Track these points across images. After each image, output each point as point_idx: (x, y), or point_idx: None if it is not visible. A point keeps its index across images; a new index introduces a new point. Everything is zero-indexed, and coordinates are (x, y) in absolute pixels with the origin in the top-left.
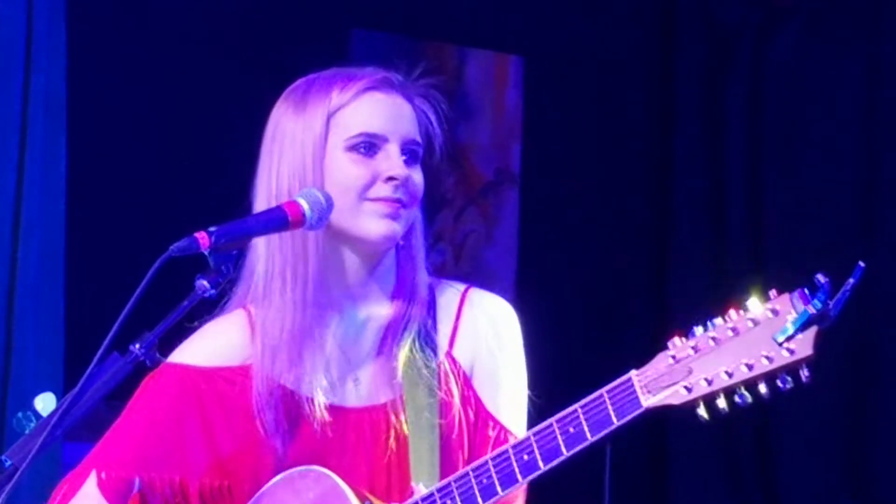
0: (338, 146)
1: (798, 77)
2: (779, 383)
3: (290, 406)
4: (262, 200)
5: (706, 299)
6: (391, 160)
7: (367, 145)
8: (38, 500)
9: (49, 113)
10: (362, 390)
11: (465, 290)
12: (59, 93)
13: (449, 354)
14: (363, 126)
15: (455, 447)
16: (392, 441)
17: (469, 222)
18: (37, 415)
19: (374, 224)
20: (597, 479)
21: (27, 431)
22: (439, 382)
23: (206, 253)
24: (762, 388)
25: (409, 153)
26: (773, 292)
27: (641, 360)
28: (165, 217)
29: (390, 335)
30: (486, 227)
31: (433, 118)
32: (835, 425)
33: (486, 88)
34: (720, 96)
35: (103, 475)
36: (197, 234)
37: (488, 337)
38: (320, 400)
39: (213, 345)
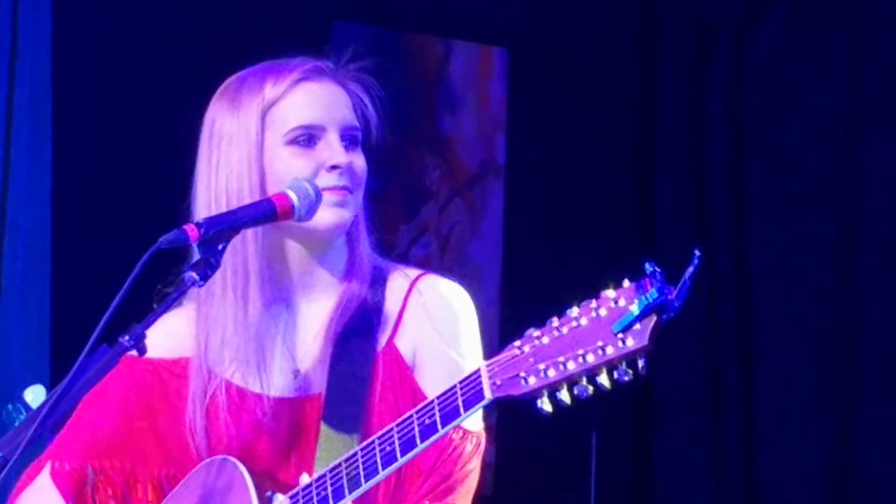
0: (277, 142)
1: (780, 69)
2: (615, 375)
3: (228, 398)
4: (202, 200)
5: (692, 289)
6: (332, 148)
7: (306, 137)
8: None
9: (34, 109)
10: (301, 382)
11: (416, 278)
12: (44, 89)
13: (390, 342)
14: (299, 119)
15: None
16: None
17: (454, 214)
18: (27, 407)
19: (322, 214)
20: (582, 475)
21: (17, 423)
22: (373, 372)
23: (194, 245)
24: (604, 380)
25: (349, 139)
26: (625, 281)
27: None
28: (152, 210)
29: (333, 321)
30: (471, 220)
31: (368, 102)
32: (819, 424)
33: (471, 81)
34: (703, 88)
35: (56, 465)
36: (186, 226)
37: (442, 324)
38: (256, 391)
39: (160, 338)
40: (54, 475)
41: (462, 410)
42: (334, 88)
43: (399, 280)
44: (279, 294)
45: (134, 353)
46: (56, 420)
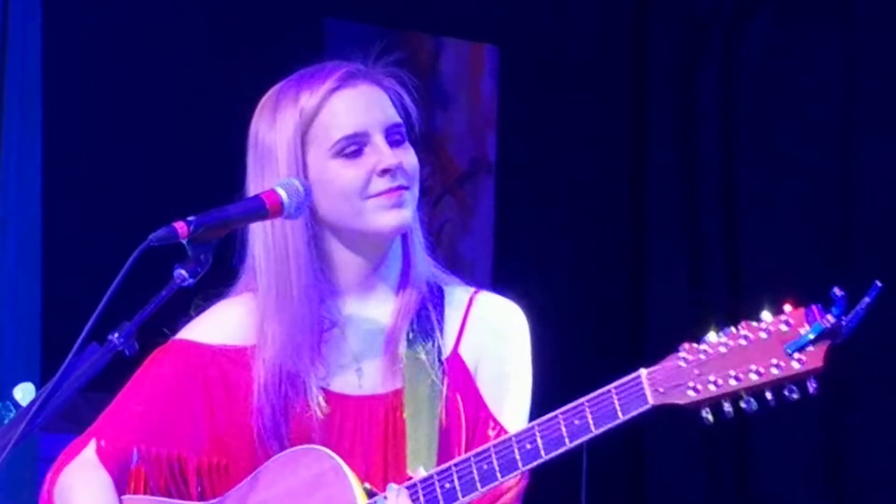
0: (323, 156)
1: (772, 65)
2: (786, 392)
3: (291, 391)
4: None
5: (684, 286)
6: (379, 152)
7: (353, 146)
8: (16, 490)
9: (24, 104)
10: (365, 381)
11: (476, 292)
12: (34, 85)
13: (455, 351)
14: (341, 130)
15: (453, 443)
16: (390, 432)
17: (445, 212)
18: (16, 404)
19: (383, 218)
20: (574, 481)
21: (6, 421)
22: (443, 378)
23: (184, 242)
24: (768, 396)
25: (395, 136)
26: (786, 305)
27: (618, 348)
28: (143, 207)
29: (396, 327)
30: (462, 217)
31: (405, 94)
32: (814, 430)
33: (462, 78)
34: (694, 84)
35: (102, 443)
36: (175, 224)
37: (495, 338)
38: (321, 387)
39: (219, 324)
40: (100, 452)
41: (620, 413)
42: (370, 89)
43: (459, 292)
44: (339, 294)
45: (124, 351)
46: (45, 418)
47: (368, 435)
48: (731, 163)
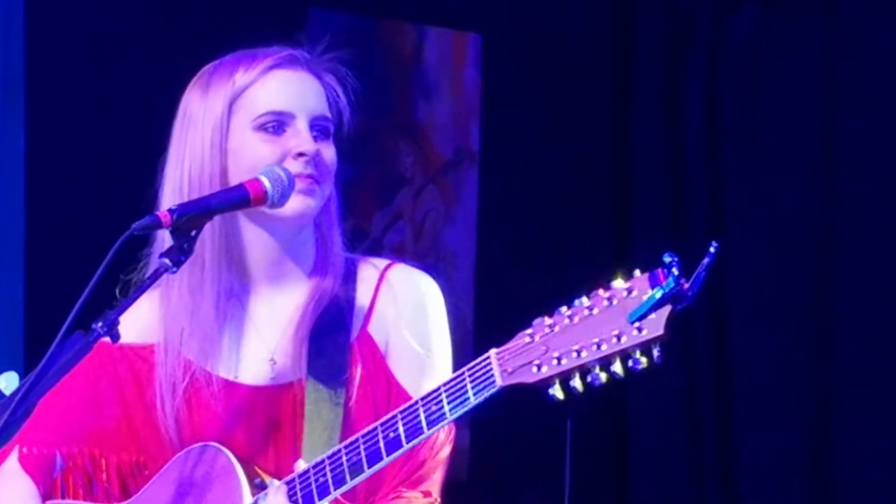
0: (245, 126)
1: (757, 56)
2: (630, 363)
3: (198, 384)
4: (169, 187)
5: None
6: (300, 136)
7: (275, 123)
8: None
9: (7, 93)
10: (278, 370)
11: (385, 268)
12: (17, 79)
13: (363, 330)
14: (269, 105)
15: (359, 425)
16: (298, 422)
17: (428, 201)
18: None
19: (289, 202)
20: (557, 460)
21: None
22: (351, 361)
23: (167, 231)
24: (617, 368)
25: (319, 129)
26: (636, 272)
27: None
28: (125, 198)
29: (307, 314)
30: (445, 206)
31: (341, 93)
32: (797, 426)
33: (445, 67)
34: (679, 75)
35: (24, 450)
36: (158, 213)
37: (410, 313)
38: (229, 379)
39: (129, 323)
40: (22, 460)
41: (472, 398)
42: (307, 77)
43: (369, 270)
44: (242, 281)
45: (107, 339)
46: (29, 407)
47: (279, 425)
48: (716, 152)
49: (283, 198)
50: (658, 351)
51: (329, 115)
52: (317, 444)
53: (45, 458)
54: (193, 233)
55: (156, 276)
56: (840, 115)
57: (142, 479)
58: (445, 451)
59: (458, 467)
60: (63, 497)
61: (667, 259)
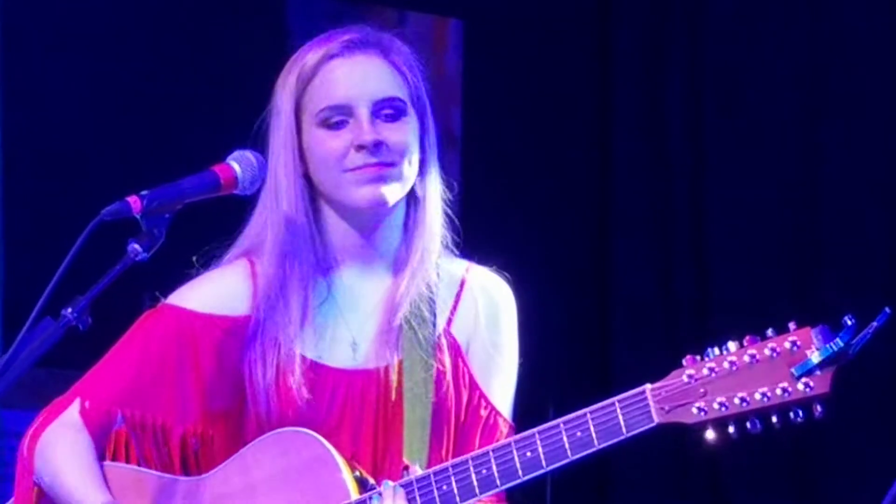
0: (312, 122)
1: (739, 37)
2: (791, 415)
3: (283, 363)
4: (269, 179)
5: (650, 256)
6: (360, 127)
7: (335, 117)
8: None
9: None
10: (359, 354)
11: (468, 268)
12: None
13: (447, 330)
14: (326, 100)
15: (444, 422)
16: (381, 410)
17: None
18: None
19: (357, 193)
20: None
21: None
22: (436, 356)
23: (138, 216)
24: (774, 419)
25: (386, 111)
26: (792, 325)
27: (585, 320)
28: (101, 183)
29: (391, 303)
30: None
31: (415, 70)
32: (784, 433)
33: (426, 52)
34: (661, 55)
35: (87, 404)
36: (129, 198)
37: (486, 317)
38: (313, 359)
39: (214, 293)
40: (83, 413)
41: (624, 430)
42: (368, 60)
43: (452, 267)
44: (329, 265)
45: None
46: (0, 393)
47: (360, 410)
48: (699, 130)
49: (252, 183)
50: (820, 407)
51: (398, 94)
52: (414, 438)
53: (105, 416)
54: (166, 217)
55: (125, 261)
56: (823, 87)
57: (207, 453)
58: None
59: None
60: (116, 459)
61: (849, 322)
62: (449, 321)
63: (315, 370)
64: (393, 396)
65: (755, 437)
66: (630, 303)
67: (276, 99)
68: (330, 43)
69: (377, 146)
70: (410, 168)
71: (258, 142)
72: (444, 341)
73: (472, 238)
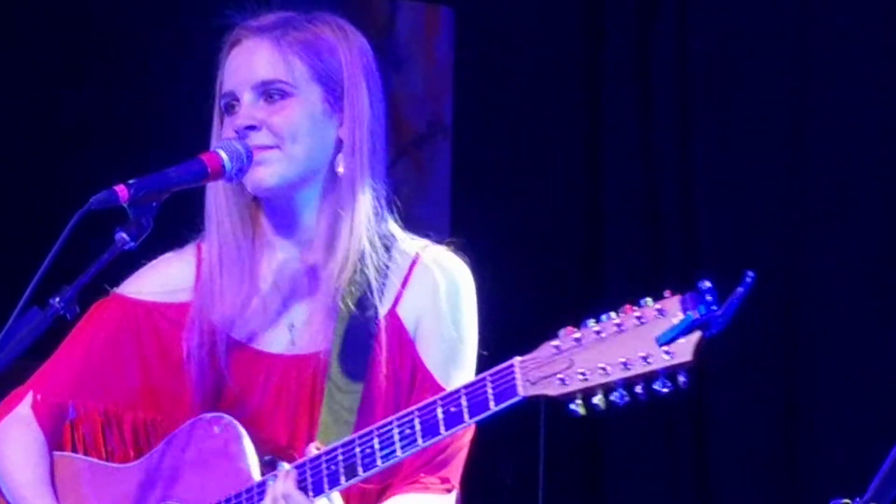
0: (221, 110)
1: (727, 23)
2: (656, 386)
3: (217, 349)
4: None
5: (641, 245)
6: (240, 112)
7: (227, 105)
8: None
9: None
10: (297, 339)
11: (423, 248)
12: None
13: (393, 311)
14: (222, 87)
15: (378, 406)
16: (317, 394)
17: (401, 174)
18: None
19: (249, 176)
20: (532, 439)
21: None
22: (375, 340)
23: (125, 205)
24: (641, 390)
25: (270, 93)
26: (667, 292)
27: (575, 310)
28: (84, 170)
29: (327, 286)
30: (418, 179)
31: (326, 49)
32: (772, 425)
33: (417, 40)
34: (650, 42)
35: (38, 397)
36: (116, 187)
37: (438, 297)
38: (248, 344)
39: (159, 280)
40: (35, 407)
41: (492, 404)
42: (257, 46)
43: (405, 249)
44: (264, 249)
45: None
46: None
47: (295, 396)
48: (686, 119)
49: (240, 171)
50: (684, 377)
51: (280, 76)
52: (333, 424)
53: (57, 408)
54: (153, 206)
55: (112, 250)
56: (812, 77)
57: (156, 438)
58: (466, 438)
59: None
60: (73, 450)
61: (704, 286)
62: (395, 302)
63: (249, 355)
64: (326, 381)
65: (745, 436)
66: (621, 290)
67: None
68: (234, 32)
69: (250, 129)
70: (299, 148)
71: None
72: (384, 324)
73: (462, 226)
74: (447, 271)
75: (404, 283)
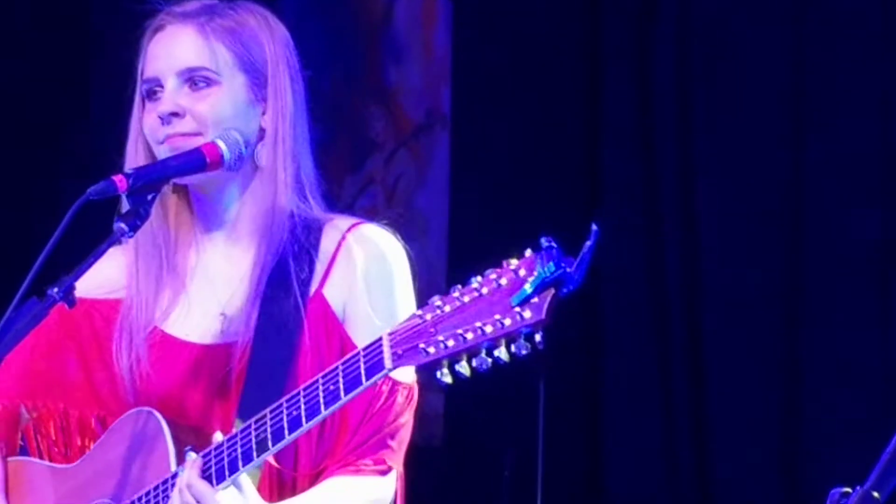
0: (141, 96)
1: (726, 17)
2: (513, 348)
3: (151, 342)
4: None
5: (640, 235)
6: (163, 97)
7: (149, 92)
8: None
9: None
10: (227, 327)
11: (348, 229)
12: None
13: (318, 292)
14: (144, 73)
15: None
16: (241, 380)
17: (400, 165)
18: None
19: None
20: (531, 423)
21: None
22: (302, 322)
23: (123, 195)
24: (502, 354)
25: (194, 80)
26: (527, 251)
27: (575, 302)
28: (81, 160)
29: (255, 272)
30: (417, 170)
31: (251, 36)
32: (772, 416)
33: (415, 30)
34: (649, 34)
35: None
36: (114, 177)
37: (366, 278)
38: (172, 334)
39: (93, 279)
40: None
41: (364, 379)
42: (181, 31)
43: (332, 231)
44: (193, 238)
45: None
46: None
47: (223, 385)
48: (686, 112)
49: (239, 160)
50: (540, 337)
51: (204, 63)
52: (255, 409)
53: (7, 411)
54: (150, 196)
55: (111, 240)
56: (809, 71)
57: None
58: (406, 417)
59: (433, 433)
60: (28, 454)
61: (545, 243)
62: (322, 283)
63: (172, 346)
64: (248, 368)
65: (745, 425)
66: (620, 281)
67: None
68: (157, 18)
69: (174, 116)
70: (219, 134)
71: None
72: (311, 306)
73: (461, 216)
74: (374, 246)
75: (330, 264)
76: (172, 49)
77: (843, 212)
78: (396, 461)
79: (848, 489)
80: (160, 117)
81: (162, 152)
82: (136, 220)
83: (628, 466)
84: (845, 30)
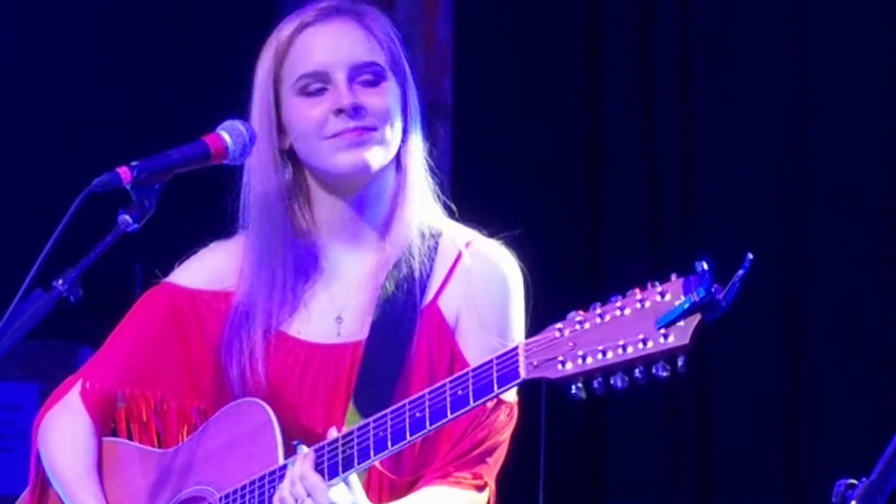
0: (290, 93)
1: (727, 8)
2: (654, 370)
3: (255, 337)
4: (252, 157)
5: (641, 220)
6: (338, 92)
7: (312, 85)
8: None
9: None
10: (343, 328)
11: (466, 244)
12: None
13: (433, 303)
14: (302, 68)
15: (413, 395)
16: (352, 381)
17: None
18: None
19: (339, 159)
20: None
21: None
22: (416, 330)
23: (128, 187)
24: (640, 374)
25: (364, 76)
26: (673, 276)
27: (576, 293)
28: (86, 153)
29: (376, 275)
30: None
31: (392, 35)
32: (774, 411)
33: (417, 21)
34: (649, 22)
35: (87, 385)
36: (119, 169)
37: (480, 291)
38: (288, 333)
39: (204, 269)
40: (83, 394)
41: (495, 387)
42: (344, 26)
43: (453, 240)
44: (315, 240)
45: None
46: None
47: (333, 384)
48: (687, 100)
49: (244, 153)
50: (682, 361)
51: (375, 58)
52: (367, 409)
53: (105, 396)
54: (156, 188)
55: (116, 233)
56: (810, 54)
57: (201, 425)
58: (505, 434)
59: None
60: (129, 436)
61: (700, 267)
62: (438, 293)
63: (288, 344)
64: (361, 369)
65: (749, 418)
66: (621, 269)
67: (256, 73)
68: (305, 13)
69: (356, 110)
70: (393, 133)
71: (247, 113)
72: (425, 314)
73: (463, 207)
74: (494, 267)
75: (447, 277)
76: (340, 43)
77: (846, 199)
78: (491, 478)
79: (854, 481)
80: (340, 110)
81: (327, 148)
82: (141, 212)
83: (631, 464)
84: (849, 21)
